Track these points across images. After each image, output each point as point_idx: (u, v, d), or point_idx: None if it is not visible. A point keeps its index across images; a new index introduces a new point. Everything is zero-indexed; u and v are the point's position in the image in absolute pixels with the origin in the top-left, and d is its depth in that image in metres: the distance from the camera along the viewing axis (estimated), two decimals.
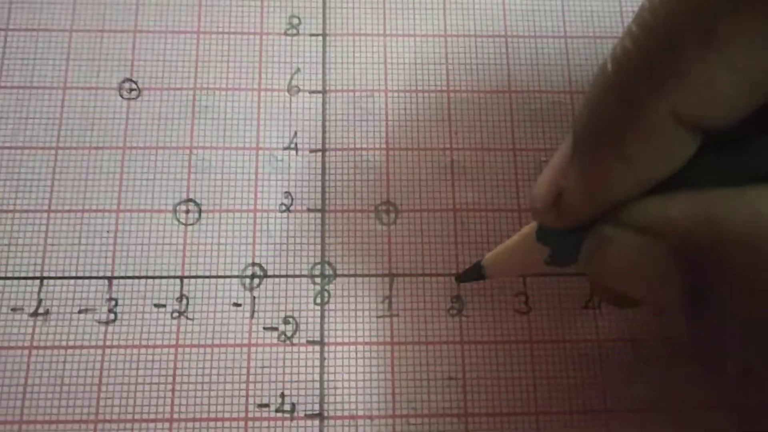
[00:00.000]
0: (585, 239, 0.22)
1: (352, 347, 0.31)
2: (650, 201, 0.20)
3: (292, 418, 0.30)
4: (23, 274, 0.31)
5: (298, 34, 0.35)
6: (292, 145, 0.33)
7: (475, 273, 0.30)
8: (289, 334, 0.31)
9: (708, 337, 0.22)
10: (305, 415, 0.30)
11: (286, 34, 0.35)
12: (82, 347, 0.30)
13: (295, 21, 0.35)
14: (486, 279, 0.30)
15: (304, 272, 0.32)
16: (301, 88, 0.34)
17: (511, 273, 0.31)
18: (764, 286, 0.17)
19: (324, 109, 0.34)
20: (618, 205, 0.21)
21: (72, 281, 0.31)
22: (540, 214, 0.24)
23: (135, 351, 0.30)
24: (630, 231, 0.20)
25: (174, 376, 0.30)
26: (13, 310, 0.31)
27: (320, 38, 0.35)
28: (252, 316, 0.31)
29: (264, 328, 0.31)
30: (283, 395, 0.30)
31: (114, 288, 0.31)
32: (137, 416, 0.30)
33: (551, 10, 0.36)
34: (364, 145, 0.34)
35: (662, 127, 0.19)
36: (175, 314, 0.31)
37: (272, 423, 0.30)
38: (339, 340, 0.31)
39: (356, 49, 0.35)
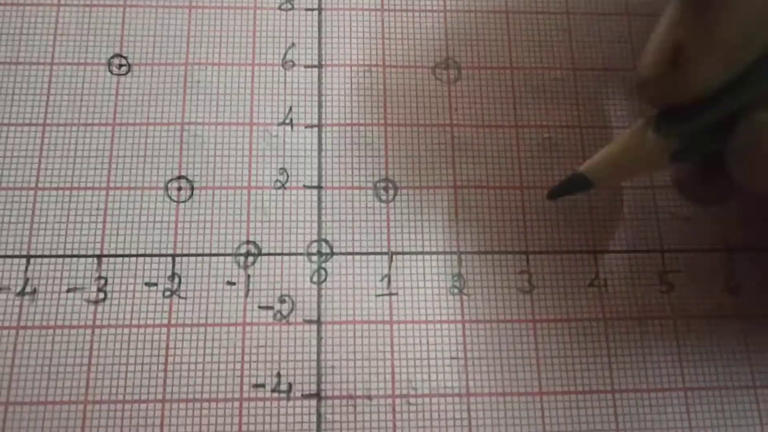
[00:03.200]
0: (732, 131, 0.20)
1: (350, 326, 0.30)
2: None
3: (288, 399, 0.29)
4: (9, 253, 0.30)
5: (293, 8, 0.34)
6: (287, 121, 0.32)
7: (577, 184, 0.27)
8: (285, 313, 0.30)
9: None
10: (302, 395, 0.29)
11: (280, 8, 0.34)
12: (70, 327, 0.29)
13: None
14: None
15: (300, 250, 0.31)
16: (296, 62, 0.33)
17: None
18: None
19: (320, 84, 0.33)
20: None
21: (60, 260, 0.30)
22: (654, 86, 0.20)
23: (125, 330, 0.29)
24: None
25: (166, 356, 0.29)
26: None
27: (316, 12, 0.34)
28: (246, 295, 0.30)
29: (259, 307, 0.30)
30: (279, 375, 0.29)
31: (104, 266, 0.30)
32: (128, 397, 0.29)
33: None
34: (362, 121, 0.33)
35: None
36: (167, 293, 0.30)
37: (268, 404, 0.29)
38: (336, 318, 0.30)
39: (353, 23, 0.34)
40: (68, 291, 0.30)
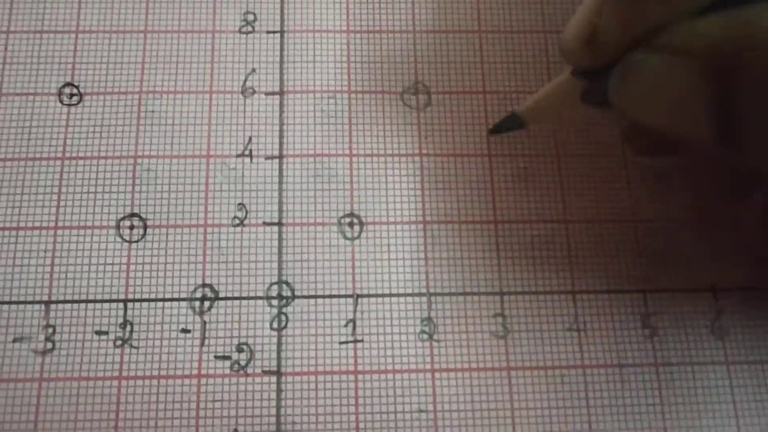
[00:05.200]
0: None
1: (312, 377, 0.28)
2: (680, 25, 0.21)
3: None
4: None
5: (253, 31, 0.32)
6: (246, 152, 0.30)
7: (511, 122, 0.30)
8: (243, 363, 0.28)
9: (735, 160, 0.24)
10: None
11: (240, 31, 0.32)
12: (16, 380, 0.28)
13: (251, 17, 0.32)
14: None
15: (260, 294, 0.29)
16: (257, 89, 0.31)
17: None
18: None
19: (281, 111, 0.31)
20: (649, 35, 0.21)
21: (5, 306, 0.28)
22: (573, 54, 0.24)
23: (74, 384, 0.28)
24: (659, 53, 0.21)
25: (117, 411, 0.27)
26: None
27: (278, 35, 0.32)
28: (202, 344, 0.28)
29: (215, 357, 0.28)
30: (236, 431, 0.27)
31: (51, 313, 0.28)
32: None
33: None
34: (326, 151, 0.31)
35: None
36: (119, 342, 0.28)
37: None
38: (297, 369, 0.28)
39: (317, 46, 0.32)
40: (14, 341, 0.28)
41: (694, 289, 0.30)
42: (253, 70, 0.32)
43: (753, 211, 0.30)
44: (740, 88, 0.20)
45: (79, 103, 0.31)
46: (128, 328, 0.28)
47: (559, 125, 0.31)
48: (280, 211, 0.30)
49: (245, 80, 0.32)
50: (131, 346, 0.28)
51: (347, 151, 0.31)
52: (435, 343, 0.29)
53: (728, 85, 0.20)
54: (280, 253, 0.29)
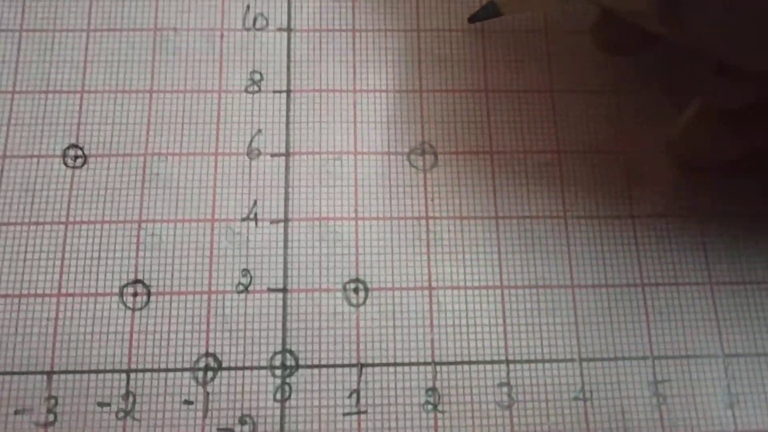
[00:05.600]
0: None
1: None
2: None
3: None
4: None
5: (260, 91, 0.32)
6: (252, 216, 0.30)
7: (488, 10, 0.32)
8: None
9: (680, 37, 0.24)
10: None
11: (246, 91, 0.32)
12: None
13: (257, 77, 0.32)
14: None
15: (263, 363, 0.28)
16: (263, 150, 0.31)
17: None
18: None
19: (287, 173, 0.31)
20: None
21: (7, 377, 0.28)
22: None
23: None
24: None
25: None
26: None
27: (284, 95, 0.32)
28: (205, 416, 0.28)
29: (218, 430, 0.27)
30: None
31: (54, 384, 0.28)
32: None
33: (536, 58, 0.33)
34: (331, 215, 0.30)
35: None
36: (121, 414, 0.28)
37: None
38: None
39: (323, 106, 0.32)
40: (16, 413, 0.28)
41: (704, 355, 0.29)
42: (259, 130, 0.32)
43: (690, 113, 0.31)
44: None
45: (83, 165, 0.31)
46: (131, 399, 0.28)
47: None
48: (285, 276, 0.30)
49: (251, 141, 0.32)
50: (133, 418, 0.28)
51: (353, 215, 0.31)
52: (439, 414, 0.28)
53: None
54: (284, 320, 0.29)
